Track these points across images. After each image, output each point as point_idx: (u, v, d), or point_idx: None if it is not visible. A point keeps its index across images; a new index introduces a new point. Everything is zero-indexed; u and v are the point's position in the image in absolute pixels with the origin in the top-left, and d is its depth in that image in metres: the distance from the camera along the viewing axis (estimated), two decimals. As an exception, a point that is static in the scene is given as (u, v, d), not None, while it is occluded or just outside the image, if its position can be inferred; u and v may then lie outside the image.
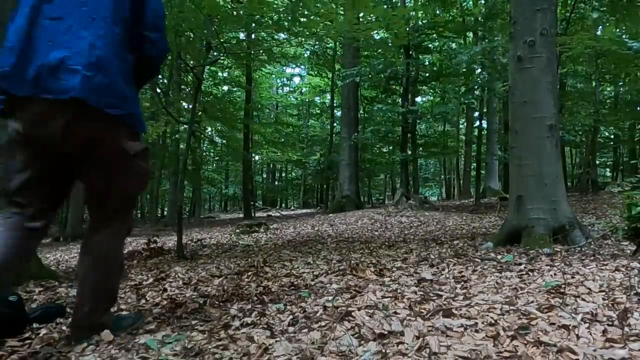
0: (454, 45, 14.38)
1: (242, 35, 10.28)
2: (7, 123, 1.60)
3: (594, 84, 12.29)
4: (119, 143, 1.60)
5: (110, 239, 1.70)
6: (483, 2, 12.24)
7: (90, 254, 1.68)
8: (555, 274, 2.36)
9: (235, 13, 6.01)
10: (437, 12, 11.83)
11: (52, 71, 1.48)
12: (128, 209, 1.78)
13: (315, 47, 17.12)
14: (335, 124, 18.03)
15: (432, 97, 19.22)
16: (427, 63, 14.56)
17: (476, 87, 11.71)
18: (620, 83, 13.37)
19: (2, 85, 1.53)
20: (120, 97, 1.58)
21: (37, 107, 1.51)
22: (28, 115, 1.53)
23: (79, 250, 1.73)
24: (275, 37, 8.13)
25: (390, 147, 18.38)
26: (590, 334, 1.46)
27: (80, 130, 1.53)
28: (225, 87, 16.93)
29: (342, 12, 6.30)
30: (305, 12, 5.82)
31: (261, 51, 9.39)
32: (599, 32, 8.01)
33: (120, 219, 1.73)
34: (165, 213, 17.03)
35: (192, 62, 7.16)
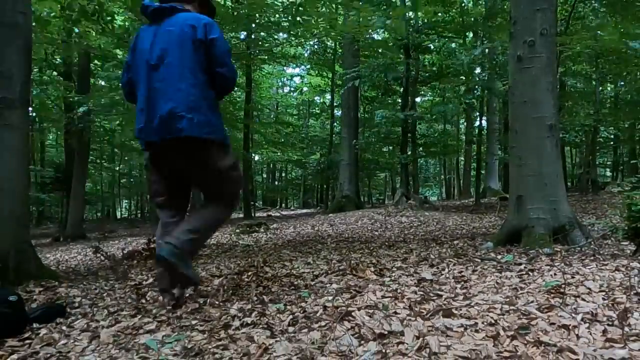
0: (454, 45, 14.35)
1: (242, 35, 10.28)
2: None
3: (594, 84, 12.28)
4: (216, 164, 2.23)
5: (215, 210, 2.34)
6: (483, 2, 12.21)
7: (199, 214, 2.33)
8: (555, 274, 2.36)
9: (235, 13, 6.01)
10: (439, 14, 11.74)
11: (167, 119, 2.11)
12: (233, 199, 2.41)
13: (315, 47, 17.09)
14: (335, 124, 18.00)
15: (432, 97, 19.18)
16: (427, 63, 14.52)
17: (476, 87, 11.69)
18: (621, 83, 13.34)
19: (141, 136, 2.21)
20: (214, 125, 2.19)
21: (161, 145, 2.19)
22: (155, 150, 2.24)
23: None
24: (275, 37, 8.12)
25: (391, 147, 18.35)
26: (590, 334, 1.46)
27: (192, 155, 2.19)
28: (225, 87, 16.91)
29: (342, 13, 6.31)
30: (306, 10, 5.80)
31: (260, 51, 9.38)
32: (598, 32, 7.98)
33: (225, 203, 2.36)
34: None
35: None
